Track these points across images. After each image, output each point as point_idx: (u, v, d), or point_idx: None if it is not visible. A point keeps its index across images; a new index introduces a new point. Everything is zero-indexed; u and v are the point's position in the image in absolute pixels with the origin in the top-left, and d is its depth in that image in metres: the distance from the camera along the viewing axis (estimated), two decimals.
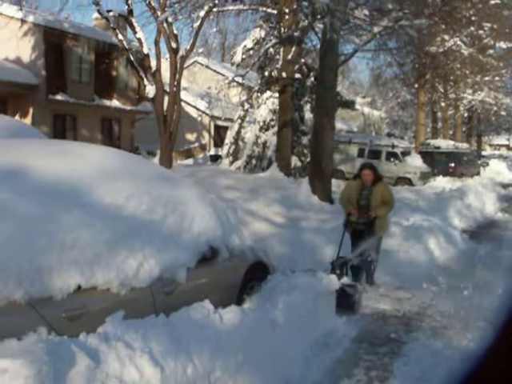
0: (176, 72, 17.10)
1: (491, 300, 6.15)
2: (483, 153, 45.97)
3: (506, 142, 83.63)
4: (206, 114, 30.39)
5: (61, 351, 2.69)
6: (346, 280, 5.58)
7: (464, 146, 27.65)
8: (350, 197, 6.52)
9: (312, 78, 20.25)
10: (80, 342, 2.86)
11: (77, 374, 2.64)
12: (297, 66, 18.97)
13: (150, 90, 17.14)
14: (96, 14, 22.19)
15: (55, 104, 21.09)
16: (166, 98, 17.46)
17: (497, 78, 32.59)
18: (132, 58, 17.19)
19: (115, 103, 24.04)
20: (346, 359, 4.41)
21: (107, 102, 23.62)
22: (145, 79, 17.49)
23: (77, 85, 21.81)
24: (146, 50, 17.16)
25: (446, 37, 23.10)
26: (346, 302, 5.25)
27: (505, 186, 22.24)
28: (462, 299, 6.08)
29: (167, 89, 17.69)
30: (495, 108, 37.05)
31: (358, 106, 34.14)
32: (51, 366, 2.53)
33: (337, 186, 14.05)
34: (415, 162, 21.65)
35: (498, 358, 0.93)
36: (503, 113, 40.08)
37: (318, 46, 14.73)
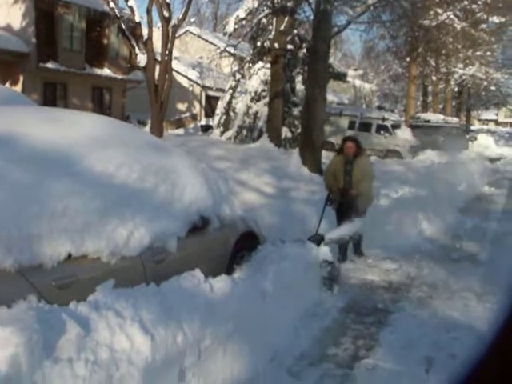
0: (168, 41, 16.86)
1: (476, 271, 6.28)
2: (472, 127, 46.17)
3: (495, 117, 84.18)
4: (198, 84, 30.11)
5: (51, 319, 2.69)
6: (323, 256, 5.51)
7: (453, 120, 27.71)
8: (336, 172, 6.47)
9: (304, 50, 20.05)
10: (70, 311, 2.85)
11: (67, 342, 2.64)
12: (289, 37, 18.77)
13: (142, 59, 16.92)
14: None
15: (46, 72, 20.80)
16: (158, 68, 17.24)
17: (488, 53, 32.58)
18: (123, 27, 16.91)
19: (106, 72, 23.77)
20: (334, 329, 4.48)
21: (98, 71, 23.37)
22: (136, 48, 17.25)
23: (68, 53, 21.50)
24: (137, 19, 16.86)
25: (440, 10, 22.95)
26: (323, 278, 5.24)
27: (492, 160, 22.44)
28: (448, 270, 6.19)
29: (159, 58, 17.48)
30: (485, 83, 37.12)
31: (349, 79, 33.90)
32: (41, 334, 2.53)
33: (327, 157, 14.03)
34: (405, 135, 21.69)
35: (499, 358, 0.92)
36: (493, 88, 40.16)
37: (311, 16, 14.53)
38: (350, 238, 6.20)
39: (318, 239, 5.74)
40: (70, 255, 3.08)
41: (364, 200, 6.32)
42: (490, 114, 78.17)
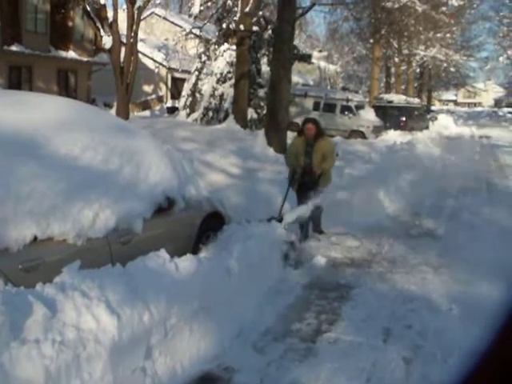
0: (133, 23, 16.62)
1: (434, 246, 6.53)
2: (432, 108, 47.09)
3: (454, 98, 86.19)
4: (164, 66, 29.78)
5: (17, 301, 2.70)
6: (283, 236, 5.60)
7: (415, 100, 28.21)
8: (297, 154, 6.52)
9: (269, 31, 20.03)
10: (37, 293, 2.87)
11: (34, 323, 2.66)
12: (255, 19, 18.69)
13: (107, 41, 16.65)
14: None
15: (10, 55, 20.19)
16: (123, 50, 16.96)
17: (448, 35, 33.29)
18: (88, 9, 16.59)
19: (71, 54, 23.33)
20: (298, 305, 4.61)
21: (63, 53, 22.91)
22: (101, 30, 16.98)
23: (32, 35, 20.94)
24: (102, 1, 16.57)
25: None
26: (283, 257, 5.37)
27: (451, 139, 23.00)
28: (408, 246, 6.42)
29: (124, 40, 17.19)
30: (445, 64, 37.96)
31: (314, 60, 33.96)
32: (8, 315, 2.54)
33: (292, 138, 14.15)
34: (368, 115, 21.99)
35: (496, 363, 0.93)
36: (452, 69, 41.09)
37: None
38: (309, 218, 6.30)
39: (280, 220, 5.85)
40: (35, 238, 3.10)
41: (324, 180, 6.43)
42: (449, 95, 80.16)
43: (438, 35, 32.56)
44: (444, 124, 30.11)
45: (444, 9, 29.80)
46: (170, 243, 4.06)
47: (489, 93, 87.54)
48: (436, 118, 31.50)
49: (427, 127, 25.86)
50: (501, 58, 40.82)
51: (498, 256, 5.90)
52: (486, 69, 48.85)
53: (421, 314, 4.39)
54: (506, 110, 61.03)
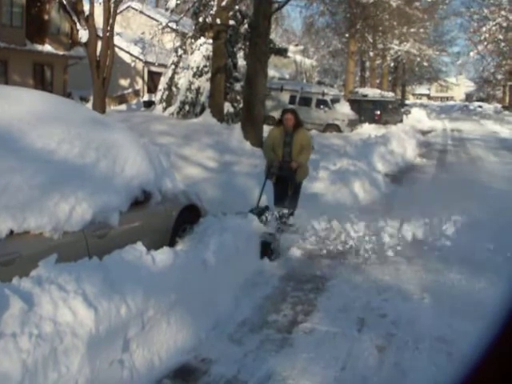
0: (109, 17, 16.44)
1: (407, 237, 6.65)
2: (406, 101, 47.74)
3: (427, 92, 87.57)
4: (140, 60, 29.56)
5: None
6: (264, 228, 5.68)
7: (389, 94, 28.54)
8: (274, 145, 6.52)
9: (246, 25, 20.02)
10: (13, 286, 2.86)
11: (10, 317, 2.65)
12: (231, 13, 18.63)
13: (83, 35, 16.46)
14: None
15: None
16: (100, 44, 16.78)
17: (421, 30, 33.85)
18: (64, 2, 16.33)
19: (47, 48, 23.09)
20: (274, 296, 4.67)
21: (39, 47, 22.67)
22: (78, 24, 16.77)
23: (8, 29, 20.67)
24: None
25: None
26: (264, 249, 5.45)
27: (424, 132, 23.42)
28: (382, 237, 6.51)
29: (100, 34, 16.99)
30: (419, 59, 38.56)
31: (290, 54, 34.08)
32: None
33: (268, 131, 14.22)
34: (344, 109, 22.17)
35: (497, 363, 0.95)
36: (425, 63, 41.76)
37: None
38: (287, 211, 6.36)
39: (259, 211, 5.90)
40: (11, 232, 3.08)
41: (302, 173, 6.47)
42: (423, 89, 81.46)
43: (412, 30, 33.04)
44: (417, 118, 30.59)
45: (417, 4, 30.23)
46: (146, 236, 4.07)
47: (460, 87, 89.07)
48: (410, 112, 31.96)
49: (401, 121, 26.21)
50: (471, 54, 41.61)
51: (468, 246, 6.06)
52: (458, 63, 49.71)
53: (394, 303, 4.49)
54: (476, 104, 62.19)
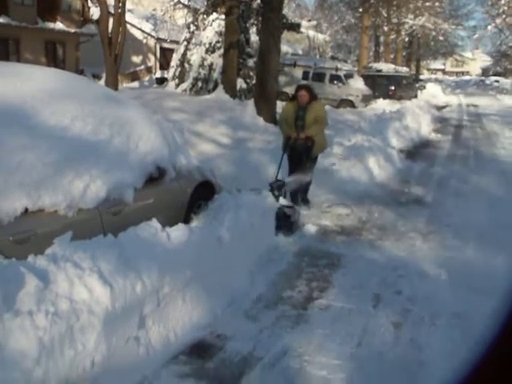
0: None
1: (422, 213, 6.60)
2: (421, 77, 47.02)
3: (442, 67, 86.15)
4: (152, 37, 29.34)
5: (9, 273, 2.69)
6: (284, 201, 5.70)
7: (404, 69, 28.14)
8: (288, 118, 6.50)
9: (258, 0, 19.70)
10: (28, 264, 2.86)
11: (26, 295, 2.66)
12: None
13: (95, 12, 16.42)
14: None
15: None
16: (111, 20, 16.65)
17: (437, 4, 33.11)
18: None
19: (59, 26, 23.06)
20: (289, 272, 4.65)
21: (51, 25, 22.64)
22: (89, 1, 16.59)
23: (19, 7, 20.68)
24: None
25: None
26: (284, 223, 5.42)
27: (439, 108, 23.10)
28: (397, 213, 6.47)
29: (112, 11, 16.84)
30: (434, 33, 37.82)
31: (303, 29, 33.59)
32: (0, 287, 2.54)
33: (281, 107, 14.07)
34: (357, 84, 21.89)
35: (496, 363, 0.94)
36: (441, 38, 40.95)
37: None
38: (299, 187, 6.31)
39: (280, 185, 5.91)
40: (26, 210, 3.08)
41: (317, 146, 6.39)
42: (437, 64, 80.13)
43: (427, 4, 32.38)
44: (432, 93, 30.15)
45: None
46: (161, 213, 4.06)
47: (476, 62, 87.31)
48: (424, 87, 31.53)
49: (416, 96, 25.86)
50: (489, 27, 40.62)
51: (485, 221, 5.99)
52: (474, 38, 48.54)
53: (410, 279, 4.46)
54: (492, 78, 61.10)
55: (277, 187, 5.84)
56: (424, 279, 4.48)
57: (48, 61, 22.77)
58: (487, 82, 58.71)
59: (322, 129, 6.54)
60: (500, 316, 0.97)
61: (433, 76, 71.42)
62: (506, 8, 36.15)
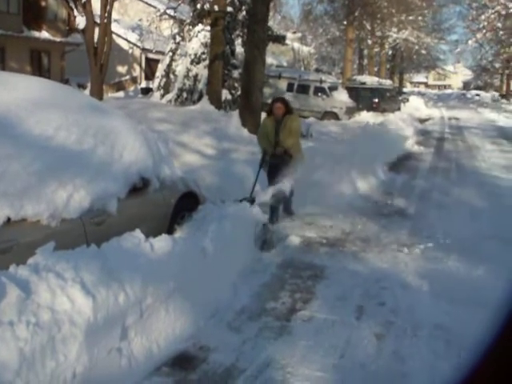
0: (107, 3, 16.25)
1: (405, 225, 6.67)
2: (404, 89, 47.65)
3: (425, 80, 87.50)
4: (137, 47, 29.36)
5: None
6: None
7: (387, 82, 28.47)
8: (268, 134, 6.50)
9: (244, 12, 19.89)
10: (10, 274, 2.83)
11: (8, 305, 2.63)
12: (229, 0, 18.47)
13: (81, 22, 16.36)
14: None
15: None
16: (97, 30, 16.60)
17: (420, 18, 33.71)
18: None
19: (45, 34, 23.02)
20: (272, 284, 4.65)
21: (36, 34, 22.61)
22: (75, 10, 16.57)
23: (5, 15, 20.61)
24: None
25: None
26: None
27: (422, 120, 23.43)
28: (380, 225, 6.52)
29: (98, 20, 16.80)
30: (417, 47, 38.46)
31: (288, 41, 33.82)
32: None
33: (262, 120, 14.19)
34: (341, 97, 22.09)
35: (495, 364, 0.94)
36: (424, 51, 41.63)
37: None
38: (280, 199, 6.28)
39: (251, 201, 5.83)
40: (9, 219, 3.04)
41: (294, 160, 6.39)
42: (420, 77, 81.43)
43: (411, 18, 32.90)
44: (415, 106, 30.55)
45: None
46: (144, 223, 4.04)
47: (458, 75, 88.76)
48: (407, 100, 31.92)
49: (399, 109, 26.17)
50: (470, 42, 41.38)
51: (467, 233, 6.06)
52: (456, 52, 49.51)
53: (393, 291, 4.49)
54: (473, 92, 62.19)
55: (249, 202, 5.73)
56: (407, 291, 4.51)
57: (33, 70, 22.68)
58: (468, 95, 59.70)
59: (296, 141, 6.55)
60: (491, 327, 0.97)
61: (416, 89, 72.46)
62: (486, 23, 36.90)
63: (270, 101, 19.28)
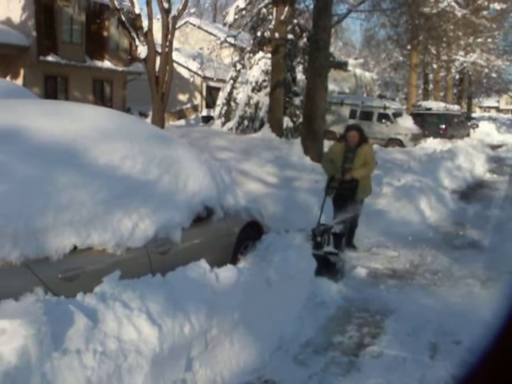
0: (168, 32, 16.78)
1: (479, 258, 6.29)
2: (473, 115, 46.09)
3: (496, 104, 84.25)
4: (198, 75, 30.09)
5: (58, 311, 2.70)
6: (327, 248, 5.50)
7: (455, 107, 27.61)
8: (334, 160, 6.31)
9: (305, 39, 20.02)
10: (77, 302, 2.87)
11: (75, 333, 2.65)
12: (290, 27, 18.72)
13: (142, 51, 16.86)
14: None
15: (46, 65, 20.80)
16: (158, 59, 17.19)
17: (489, 40, 32.51)
18: (123, 18, 16.80)
19: (107, 64, 23.82)
20: (339, 316, 4.50)
21: (99, 63, 23.40)
22: (136, 40, 17.18)
23: (68, 46, 21.54)
24: (137, 10, 16.75)
25: None
26: (328, 269, 5.16)
27: (493, 147, 22.40)
28: (451, 257, 6.20)
29: (159, 49, 17.40)
30: (486, 70, 37.07)
31: (350, 68, 33.79)
32: (50, 325, 2.54)
33: (328, 146, 14.04)
34: (406, 123, 21.62)
35: (500, 359, 0.92)
36: (494, 75, 40.02)
37: (312, 6, 14.49)
38: (347, 228, 6.06)
39: (323, 230, 5.69)
40: (75, 247, 3.10)
41: (362, 189, 6.20)
42: (491, 101, 78.29)
43: (479, 40, 31.84)
44: (486, 131, 29.39)
45: (485, 13, 29.12)
46: (208, 253, 4.02)
47: None
48: (477, 126, 30.78)
49: (468, 135, 25.28)
50: None
51: None
52: None
53: (470, 328, 4.20)
54: None
55: (320, 233, 5.56)
56: (485, 330, 4.20)
57: (95, 99, 23.43)
58: None
59: (368, 174, 6.36)
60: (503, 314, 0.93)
61: (486, 114, 69.82)
62: None
63: (332, 128, 19.24)
